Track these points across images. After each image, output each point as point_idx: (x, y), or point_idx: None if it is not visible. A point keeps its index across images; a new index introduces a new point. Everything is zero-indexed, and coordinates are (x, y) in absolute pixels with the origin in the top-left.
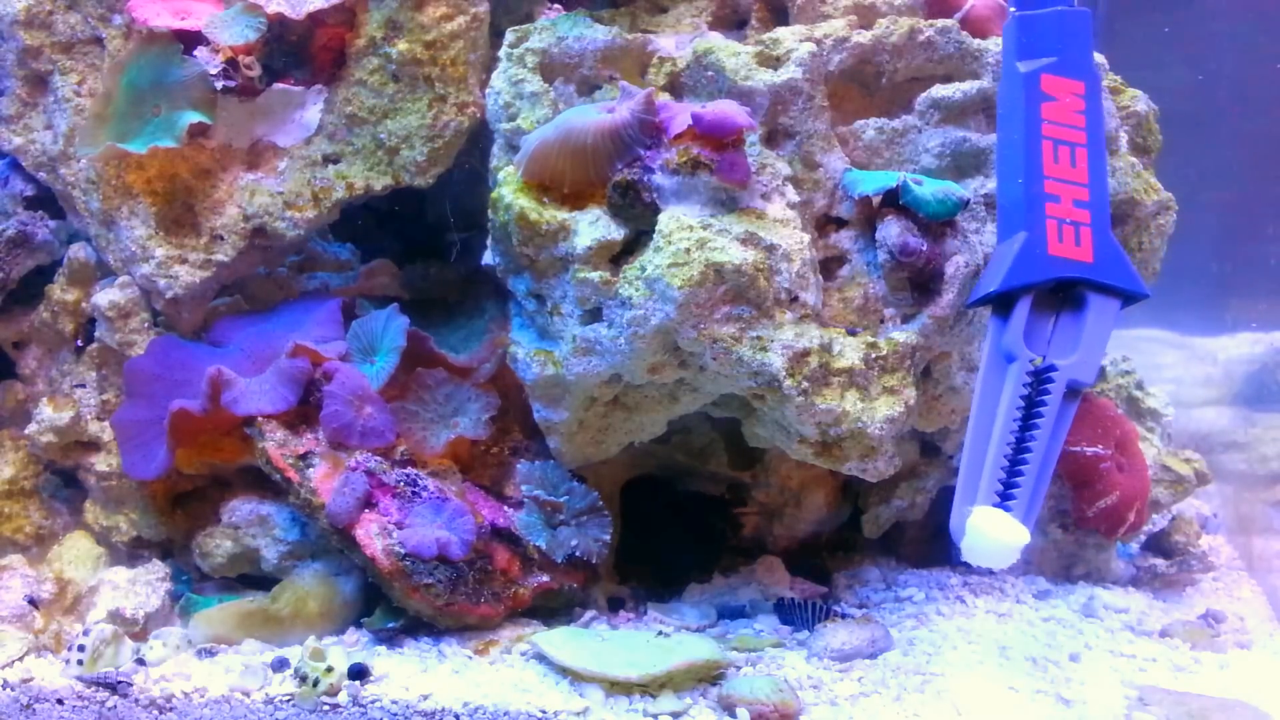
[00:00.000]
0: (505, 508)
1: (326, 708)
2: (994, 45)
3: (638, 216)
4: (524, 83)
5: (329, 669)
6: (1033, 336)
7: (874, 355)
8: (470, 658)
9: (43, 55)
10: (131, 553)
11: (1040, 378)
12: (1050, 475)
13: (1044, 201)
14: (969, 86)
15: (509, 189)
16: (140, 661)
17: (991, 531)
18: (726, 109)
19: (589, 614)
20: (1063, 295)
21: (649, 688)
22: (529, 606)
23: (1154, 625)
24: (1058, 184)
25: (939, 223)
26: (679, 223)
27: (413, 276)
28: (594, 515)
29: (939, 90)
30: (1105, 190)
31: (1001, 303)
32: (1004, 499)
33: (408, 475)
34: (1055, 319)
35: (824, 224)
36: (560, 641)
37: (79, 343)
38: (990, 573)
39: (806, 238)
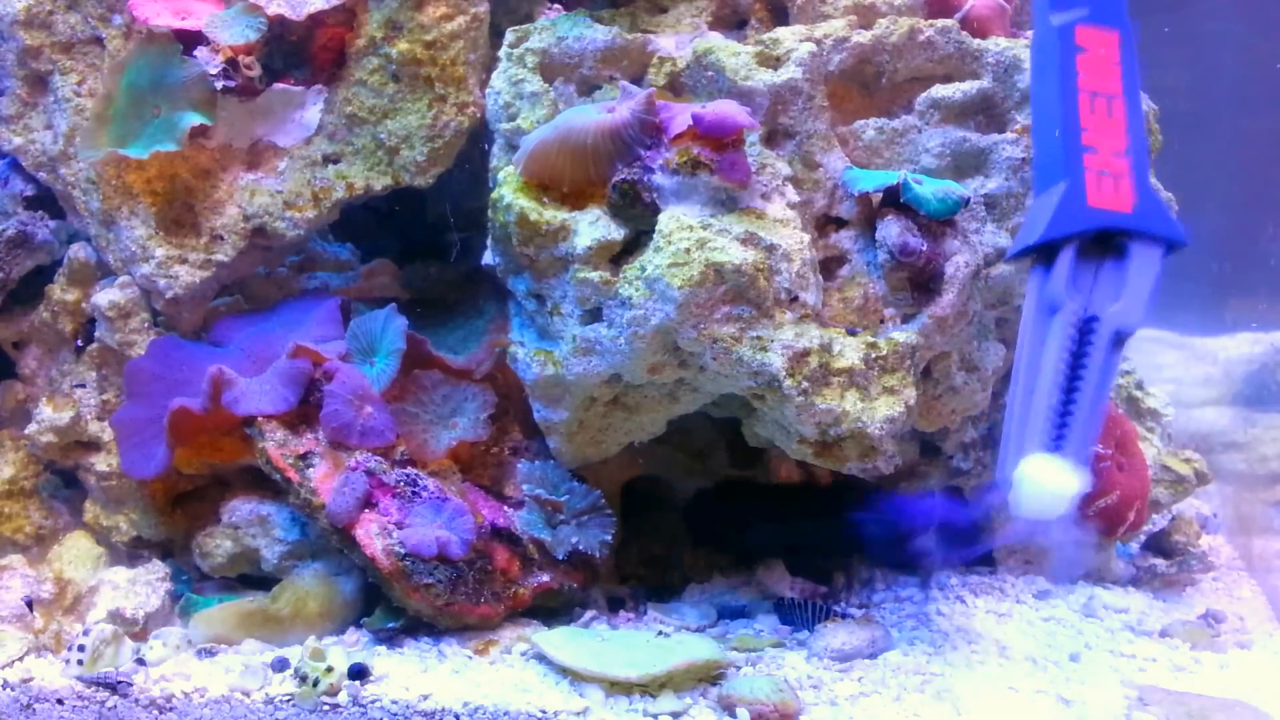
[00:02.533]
0: (505, 508)
1: (326, 708)
2: (994, 45)
3: (638, 216)
4: (524, 83)
5: (329, 669)
6: (1075, 287)
7: (874, 355)
8: (470, 658)
9: (43, 55)
10: (131, 553)
11: (1085, 327)
12: (1099, 426)
13: (1082, 153)
14: (969, 86)
15: (509, 189)
16: (140, 661)
17: (1044, 479)
18: (727, 109)
19: (589, 614)
20: (1104, 246)
21: (649, 688)
22: (529, 606)
23: (1154, 625)
24: (1095, 135)
25: (939, 222)
26: (679, 223)
27: (412, 277)
28: (596, 514)
29: (939, 90)
30: (1144, 140)
31: (1043, 254)
32: (1054, 448)
33: (408, 475)
34: (1097, 270)
35: (824, 224)
36: (560, 641)
37: (79, 343)
38: (991, 572)
39: (806, 238)
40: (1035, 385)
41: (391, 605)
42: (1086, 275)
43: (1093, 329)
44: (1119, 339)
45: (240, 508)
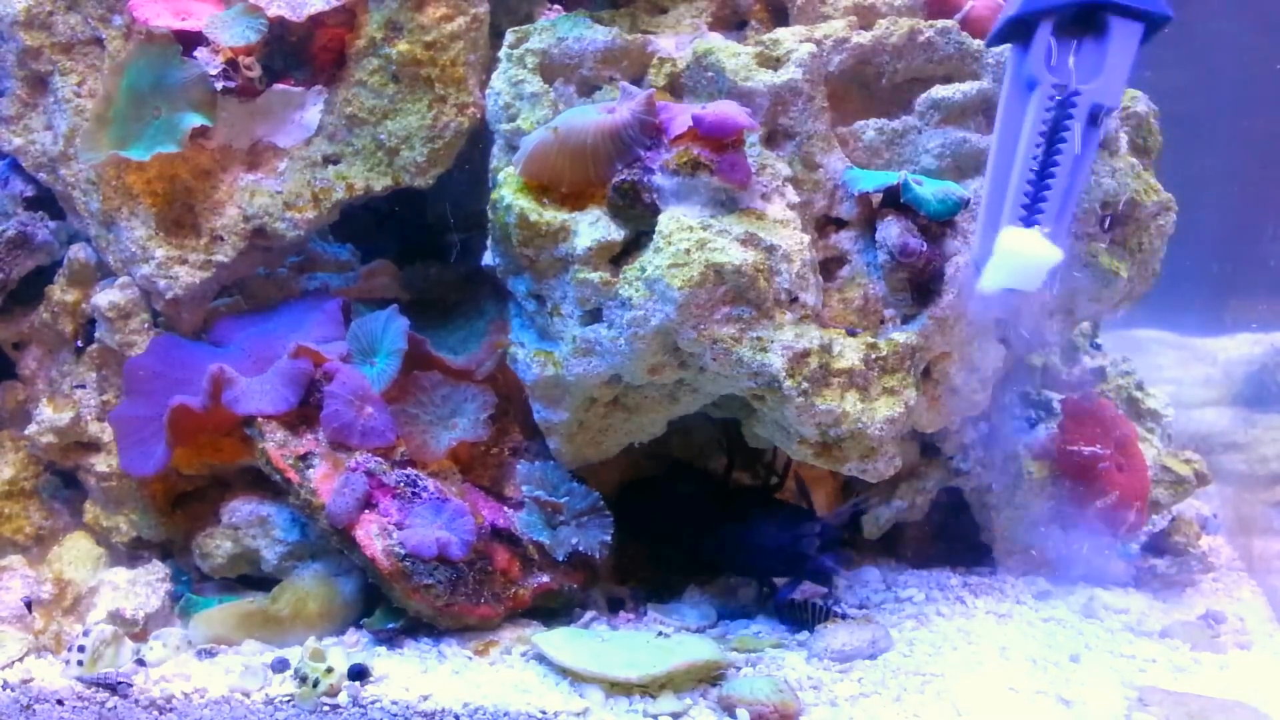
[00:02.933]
0: (505, 508)
1: (326, 708)
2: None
3: (638, 217)
4: (524, 83)
5: (329, 670)
6: (1053, 64)
7: (874, 356)
8: (470, 658)
9: (43, 56)
10: (131, 553)
11: (1063, 103)
12: (1076, 201)
13: None
14: (969, 87)
15: (509, 189)
16: (140, 662)
17: (1021, 249)
18: (727, 110)
19: (589, 614)
20: (1083, 24)
21: (649, 688)
22: (529, 607)
23: (1154, 626)
24: None
25: (939, 223)
26: (679, 223)
27: (413, 277)
28: (595, 515)
29: (939, 91)
30: None
31: (1021, 30)
32: (1030, 220)
33: (408, 476)
34: (1076, 46)
35: (824, 224)
36: (560, 642)
37: (79, 343)
38: (991, 572)
39: (806, 238)
40: (1010, 161)
41: (391, 606)
42: (1065, 53)
43: (1071, 104)
44: (1097, 115)
45: (240, 508)
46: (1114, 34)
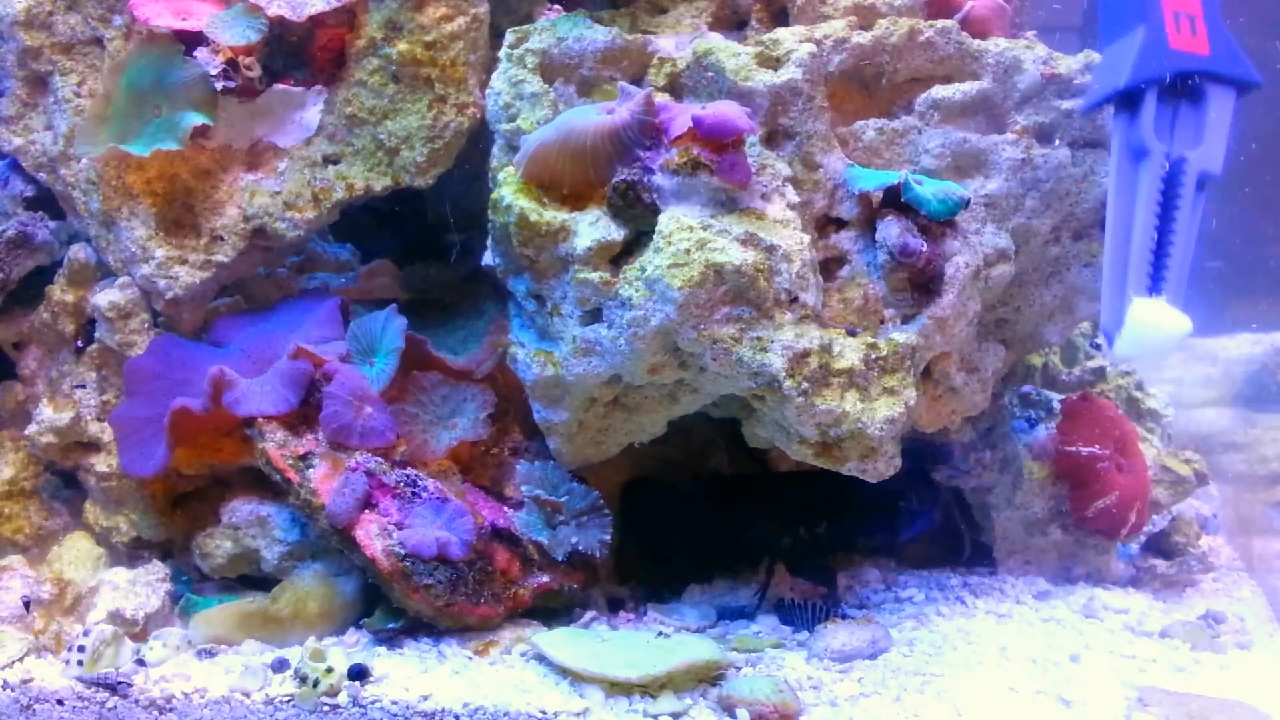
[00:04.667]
0: (505, 508)
1: (326, 708)
2: (994, 46)
3: (638, 217)
4: (524, 83)
5: (329, 670)
6: (1159, 132)
7: (874, 356)
8: (470, 658)
9: (43, 56)
10: (131, 553)
11: (1171, 171)
12: (1189, 267)
13: None
14: (969, 87)
15: (509, 190)
16: (140, 662)
17: (1154, 320)
18: (727, 110)
19: (589, 614)
20: (1177, 90)
21: (649, 688)
22: (529, 607)
23: (1154, 626)
24: None
25: (939, 223)
26: (679, 223)
27: (412, 277)
28: (595, 515)
29: (939, 91)
30: None
31: (1124, 101)
32: (1155, 289)
33: (407, 476)
34: (1174, 114)
35: (824, 224)
36: (560, 642)
37: (79, 343)
38: (991, 572)
39: (806, 238)
40: (1129, 231)
41: (391, 606)
42: (1165, 120)
43: (1180, 172)
44: (1204, 182)
45: (240, 508)
46: (1211, 101)
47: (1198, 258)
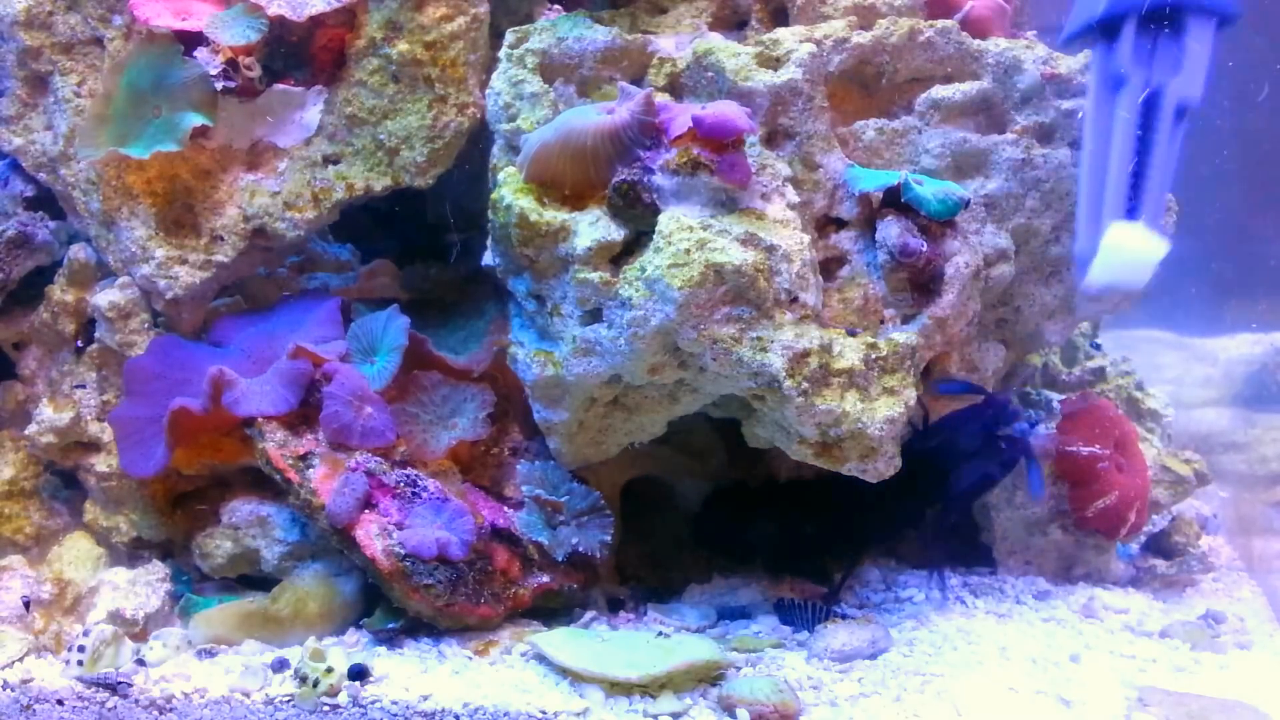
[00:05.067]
0: (505, 508)
1: (326, 708)
2: (994, 46)
3: (638, 217)
4: (524, 83)
5: (329, 670)
6: (1137, 61)
7: (874, 356)
8: (470, 658)
9: (43, 56)
10: (131, 553)
11: (1149, 100)
12: (1166, 198)
13: None
14: (969, 87)
15: (509, 190)
16: (140, 662)
17: (1130, 245)
18: (727, 111)
19: (589, 614)
20: (1155, 21)
21: (649, 688)
22: (529, 607)
23: (1154, 626)
24: None
25: (939, 223)
26: (679, 223)
27: (413, 277)
28: (595, 515)
29: (939, 91)
30: None
31: (1102, 31)
32: (1131, 215)
33: (408, 476)
34: (1153, 44)
35: (824, 224)
36: (560, 642)
37: (79, 343)
38: (991, 572)
39: (806, 238)
40: (1106, 159)
41: (391, 606)
42: (1144, 50)
43: (1157, 101)
44: (1181, 111)
45: (240, 508)
46: (1190, 31)
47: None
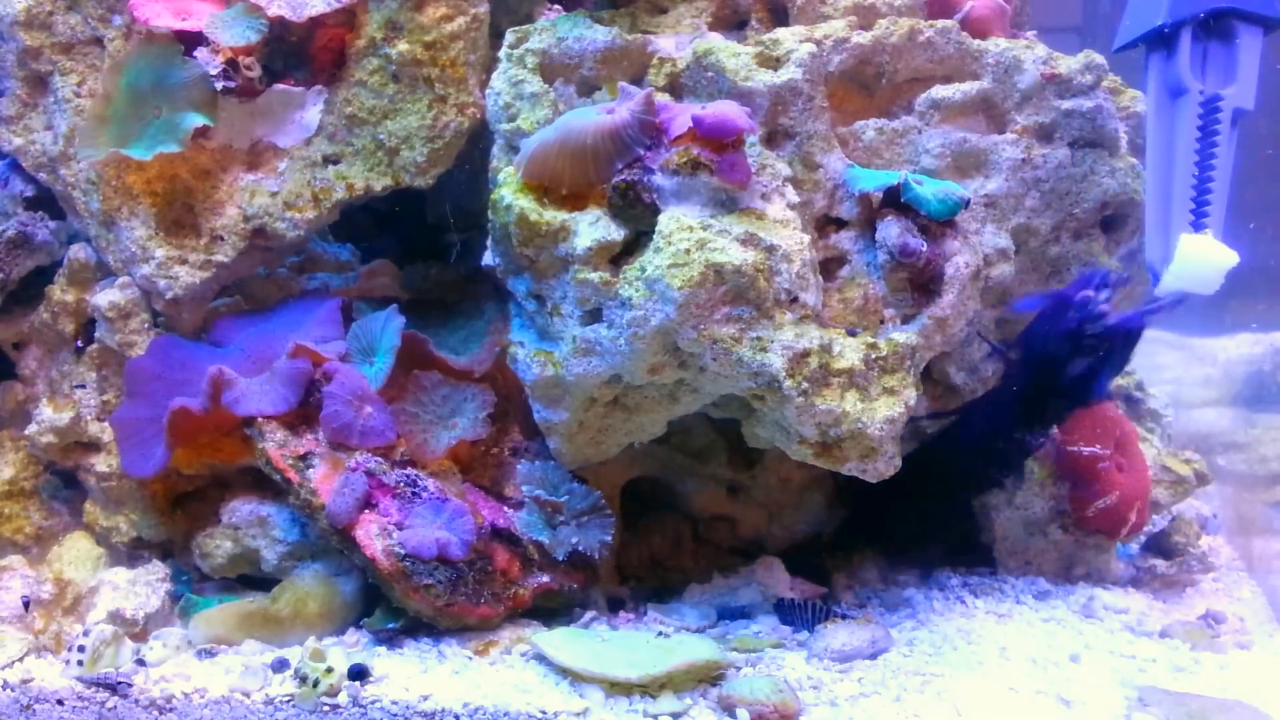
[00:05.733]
0: (505, 508)
1: (326, 708)
2: (994, 46)
3: (638, 217)
4: (524, 83)
5: (329, 670)
6: (1191, 69)
7: (874, 356)
8: (470, 658)
9: (43, 56)
10: (131, 553)
11: (1208, 108)
12: (1227, 202)
13: None
14: (969, 87)
15: (509, 190)
16: (140, 662)
17: (1202, 254)
18: (727, 111)
19: (589, 614)
20: (1208, 28)
21: (649, 688)
22: (529, 607)
23: (1154, 626)
24: None
25: (939, 223)
26: (679, 223)
27: (413, 277)
28: (596, 515)
29: (939, 91)
30: None
31: (1159, 40)
32: (1199, 224)
33: (408, 476)
34: (1204, 51)
35: (824, 224)
36: (560, 642)
37: (79, 343)
38: (991, 572)
39: (806, 238)
40: (1170, 168)
41: (391, 606)
42: (1197, 58)
43: (1216, 109)
44: (1236, 119)
45: (240, 508)
46: (1242, 38)
47: None
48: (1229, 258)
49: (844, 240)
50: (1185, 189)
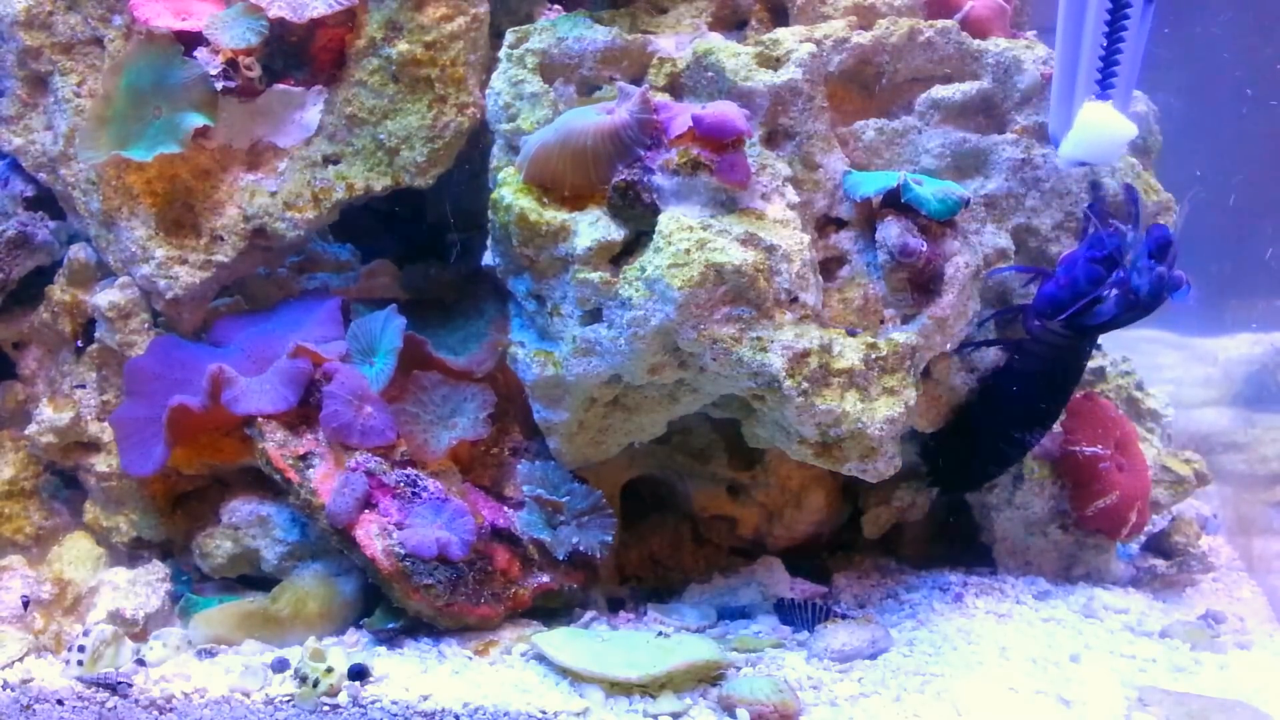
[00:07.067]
0: (505, 508)
1: (326, 708)
2: (994, 46)
3: (638, 217)
4: (524, 83)
5: (329, 669)
6: None
7: (874, 356)
8: (470, 658)
9: (43, 56)
10: (131, 553)
11: None
12: (1136, 77)
13: None
14: (969, 87)
15: (509, 190)
16: (140, 662)
17: (1101, 123)
18: (726, 111)
19: (589, 614)
20: None
21: (649, 688)
22: (529, 607)
23: (1154, 626)
24: None
25: (939, 223)
26: (679, 223)
27: (412, 277)
28: (596, 515)
29: (939, 91)
30: None
31: None
32: (1104, 94)
33: (408, 476)
34: None
35: (824, 224)
36: (560, 642)
37: (79, 343)
38: (991, 572)
39: (806, 238)
40: (1078, 36)
41: (391, 606)
42: None
43: None
44: None
45: (240, 508)
46: None
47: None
48: (1128, 129)
49: (844, 240)
50: (1093, 59)
